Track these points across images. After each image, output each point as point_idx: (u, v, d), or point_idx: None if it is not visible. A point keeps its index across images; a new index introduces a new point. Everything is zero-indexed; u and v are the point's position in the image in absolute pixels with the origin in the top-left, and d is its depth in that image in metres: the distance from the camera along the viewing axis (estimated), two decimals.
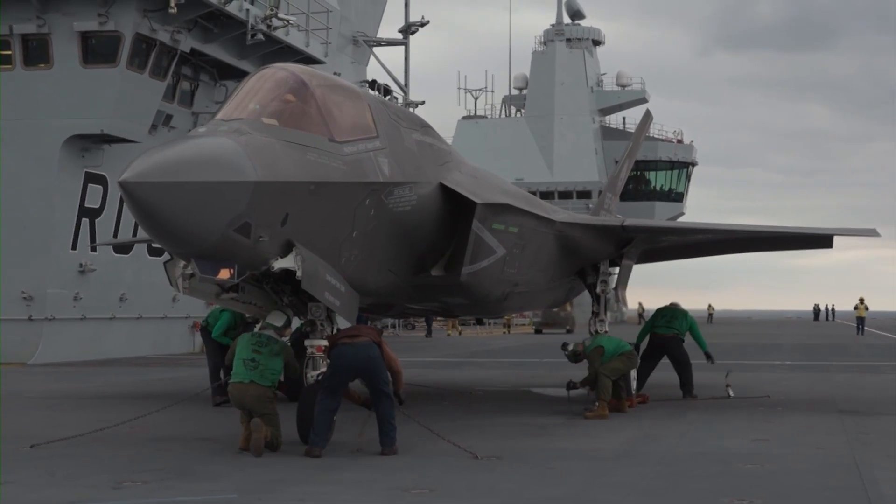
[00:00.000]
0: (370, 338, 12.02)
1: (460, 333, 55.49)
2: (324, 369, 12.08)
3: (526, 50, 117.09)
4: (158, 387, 20.93)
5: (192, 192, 9.97)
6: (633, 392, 17.50)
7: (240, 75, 30.50)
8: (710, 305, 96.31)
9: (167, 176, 9.91)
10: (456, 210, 14.37)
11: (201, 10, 29.74)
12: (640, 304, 79.97)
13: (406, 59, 48.23)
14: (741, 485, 10.19)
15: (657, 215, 76.66)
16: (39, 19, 28.31)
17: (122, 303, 31.23)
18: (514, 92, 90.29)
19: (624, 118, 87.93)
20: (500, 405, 17.73)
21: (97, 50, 28.51)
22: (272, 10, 32.34)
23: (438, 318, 53.36)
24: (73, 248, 29.41)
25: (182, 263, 11.82)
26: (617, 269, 19.54)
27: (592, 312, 18.89)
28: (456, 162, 15.49)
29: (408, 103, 46.32)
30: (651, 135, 73.25)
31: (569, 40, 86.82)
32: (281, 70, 12.19)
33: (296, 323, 13.61)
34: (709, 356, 19.34)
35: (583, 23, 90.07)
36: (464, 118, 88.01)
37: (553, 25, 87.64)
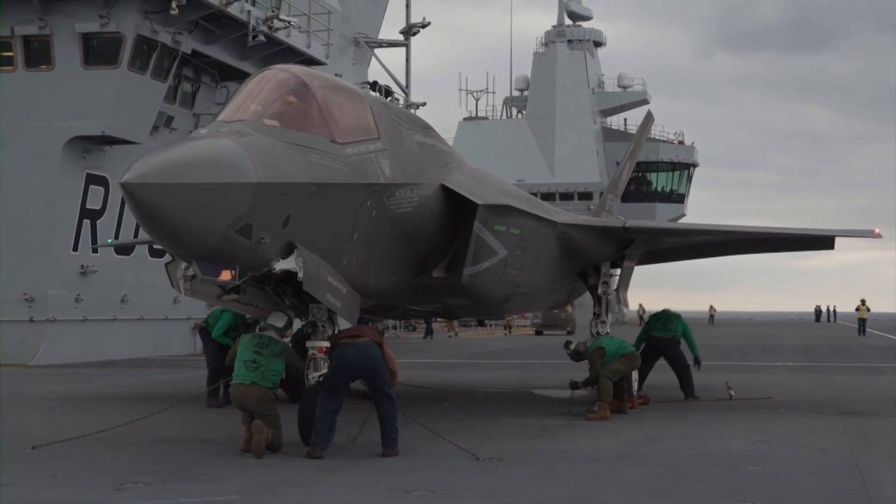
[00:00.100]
0: (371, 338, 12.03)
1: (456, 334, 55.45)
2: (325, 370, 12.07)
3: (527, 51, 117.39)
4: (160, 388, 20.93)
5: (194, 193, 9.97)
6: (635, 393, 17.49)
7: (241, 77, 30.51)
8: (711, 307, 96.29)
9: (169, 177, 9.91)
10: (457, 211, 14.37)
11: (202, 12, 29.74)
12: (640, 305, 79.83)
13: (407, 60, 48.26)
14: (743, 486, 10.19)
15: (658, 217, 76.67)
16: (41, 20, 28.33)
17: (124, 304, 31.24)
18: (516, 93, 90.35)
19: (625, 119, 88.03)
20: (502, 406, 17.72)
21: (98, 51, 28.51)
22: (273, 11, 32.33)
23: (438, 320, 53.42)
24: (75, 249, 29.41)
25: (183, 265, 11.84)
26: (618, 271, 19.53)
27: (594, 314, 18.88)
28: (457, 163, 15.49)
29: (409, 104, 46.32)
30: (652, 136, 73.21)
31: (570, 41, 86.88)
32: (282, 71, 12.19)
33: (297, 324, 13.60)
34: (697, 360, 19.32)
35: (584, 24, 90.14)
36: (465, 119, 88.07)
37: (554, 27, 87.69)
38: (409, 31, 47.96)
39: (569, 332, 54.98)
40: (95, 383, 22.23)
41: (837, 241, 19.73)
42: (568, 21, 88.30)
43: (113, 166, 28.62)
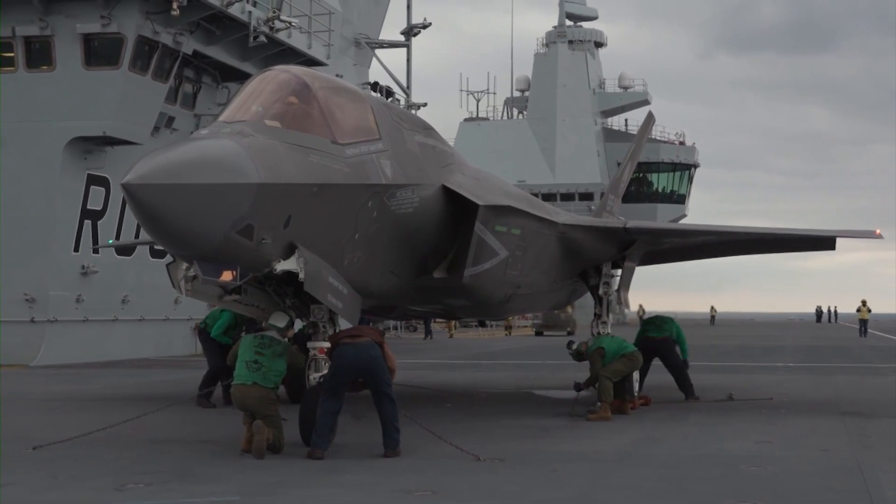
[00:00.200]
0: (372, 338, 12.03)
1: (452, 336, 55.42)
2: (326, 371, 12.07)
3: (528, 52, 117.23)
4: (160, 389, 20.94)
5: (195, 194, 9.97)
6: (636, 394, 17.48)
7: (242, 77, 30.52)
8: (712, 307, 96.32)
9: (170, 178, 9.90)
10: (458, 212, 14.37)
11: (204, 13, 29.75)
12: (640, 306, 79.82)
13: (408, 61, 48.28)
14: (744, 487, 10.19)
15: (659, 217, 76.69)
16: (42, 21, 28.34)
17: (125, 305, 31.26)
18: (516, 94, 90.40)
19: (626, 120, 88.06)
20: (503, 407, 17.72)
21: (100, 52, 28.52)
22: (274, 12, 32.34)
23: (438, 320, 53.41)
24: (76, 249, 29.43)
25: (185, 265, 11.82)
26: (619, 271, 19.53)
27: (595, 314, 18.88)
28: (458, 164, 15.49)
29: (410, 105, 46.32)
30: (653, 137, 73.22)
31: (571, 42, 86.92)
32: (283, 72, 12.18)
33: (297, 324, 13.59)
34: (685, 363, 19.28)
35: (586, 24, 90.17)
36: (466, 120, 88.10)
37: (555, 27, 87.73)
38: (410, 31, 47.98)
39: (569, 333, 54.99)
40: (96, 384, 22.23)
41: (838, 241, 19.73)
42: (569, 22, 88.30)
43: (114, 167, 28.63)
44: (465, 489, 10.02)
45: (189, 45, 30.26)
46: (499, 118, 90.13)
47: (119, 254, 30.96)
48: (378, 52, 46.54)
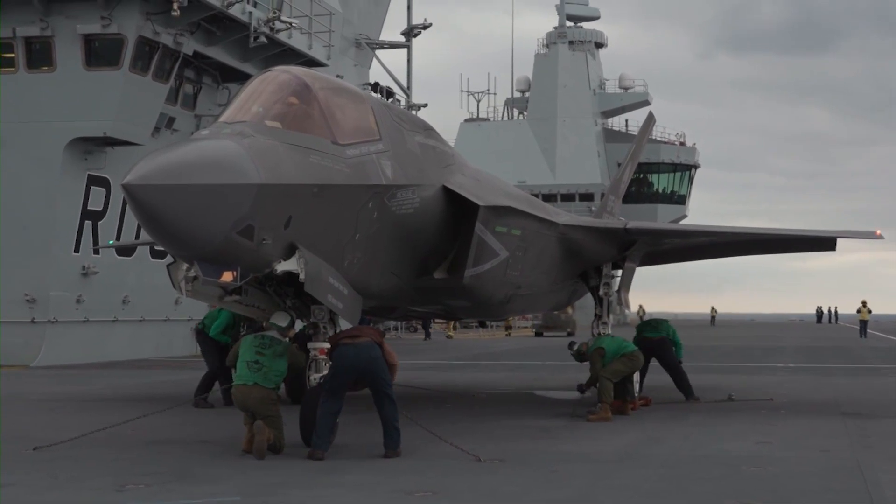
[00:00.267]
0: (372, 338, 12.03)
1: (451, 337, 55.39)
2: (326, 372, 12.08)
3: (528, 52, 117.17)
4: (161, 389, 20.94)
5: (196, 194, 9.96)
6: (636, 394, 17.48)
7: (242, 78, 30.52)
8: (712, 308, 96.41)
9: (170, 178, 9.90)
10: (459, 213, 14.37)
11: (204, 13, 29.75)
12: (640, 306, 79.85)
13: (409, 61, 48.29)
14: (744, 487, 10.19)
15: (660, 218, 76.72)
16: (42, 22, 28.34)
17: (125, 305, 31.25)
18: (517, 94, 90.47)
19: (626, 120, 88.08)
20: (503, 408, 17.72)
21: (100, 52, 28.52)
22: (275, 12, 32.35)
23: (438, 321, 53.45)
24: (76, 250, 29.43)
25: (185, 266, 11.83)
26: (620, 272, 19.53)
27: (595, 315, 18.88)
28: (458, 164, 15.49)
29: (410, 106, 46.35)
30: (654, 137, 73.26)
31: (571, 43, 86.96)
32: (284, 73, 12.19)
33: (297, 325, 13.60)
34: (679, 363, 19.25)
35: (587, 25, 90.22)
36: (466, 121, 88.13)
37: (556, 28, 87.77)
38: (411, 32, 47.99)
39: (569, 334, 55.01)
40: (96, 384, 22.23)
41: (839, 242, 19.73)
42: (569, 23, 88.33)
43: (114, 167, 28.64)
44: (466, 490, 10.03)
45: (189, 45, 30.26)
46: (499, 119, 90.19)
47: (119, 254, 30.96)
48: (378, 52, 46.56)
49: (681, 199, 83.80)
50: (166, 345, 32.57)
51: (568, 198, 77.24)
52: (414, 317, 31.66)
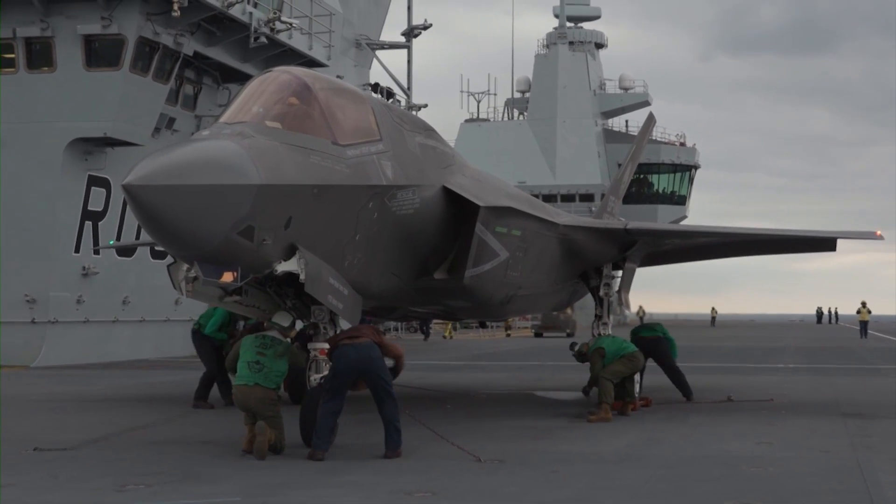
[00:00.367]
0: (371, 338, 12.04)
1: (447, 337, 55.40)
2: (326, 372, 12.08)
3: (528, 53, 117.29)
4: (161, 390, 20.95)
5: (196, 195, 9.96)
6: (636, 395, 17.48)
7: (243, 78, 30.52)
8: (713, 308, 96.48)
9: (171, 179, 9.90)
10: (459, 213, 14.37)
11: (204, 14, 29.75)
12: (640, 307, 79.89)
13: (409, 62, 48.30)
14: (745, 488, 10.19)
15: (660, 218, 76.72)
16: (43, 22, 28.35)
17: (125, 306, 31.25)
18: (517, 95, 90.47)
19: (626, 121, 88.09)
20: (503, 408, 17.72)
21: (100, 53, 28.52)
22: (275, 13, 32.35)
23: (435, 322, 53.41)
24: (76, 251, 29.42)
25: (185, 266, 11.83)
26: (620, 273, 19.53)
27: (595, 315, 18.89)
28: (459, 165, 15.49)
29: (410, 106, 46.36)
30: (654, 138, 73.27)
31: (571, 43, 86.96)
32: (284, 73, 12.19)
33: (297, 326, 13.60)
34: None
35: (586, 25, 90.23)
36: (466, 121, 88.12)
37: (556, 28, 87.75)
38: (411, 32, 48.01)
39: (568, 335, 55.03)
40: (97, 385, 22.23)
41: (839, 243, 19.74)
42: (569, 24, 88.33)
43: (115, 168, 28.63)
44: (466, 490, 10.03)
45: (190, 46, 30.26)
46: (499, 119, 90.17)
47: (120, 255, 30.95)
48: (379, 53, 46.56)
49: (681, 200, 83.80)
50: (166, 345, 32.54)
51: (568, 198, 77.21)
52: (414, 317, 31.65)
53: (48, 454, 11.97)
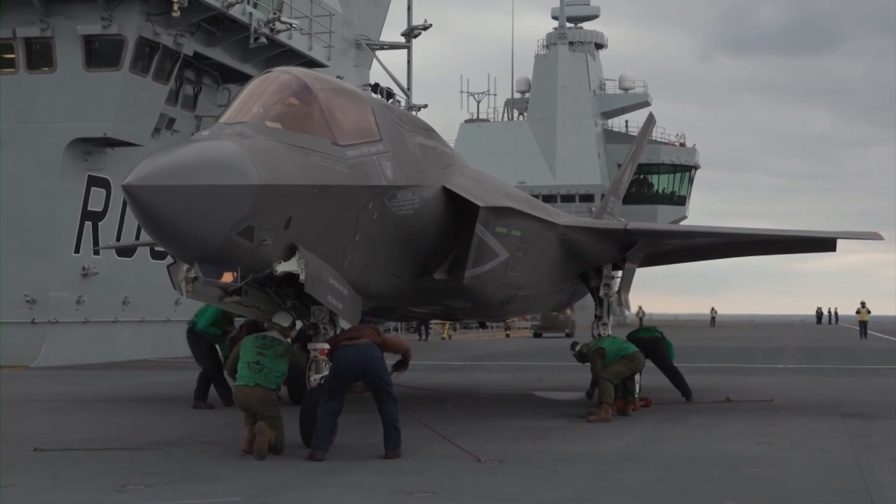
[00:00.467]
0: (371, 339, 12.05)
1: (447, 338, 55.44)
2: (326, 373, 12.09)
3: (528, 53, 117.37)
4: (161, 390, 20.95)
5: (196, 195, 9.96)
6: (636, 395, 17.48)
7: (242, 79, 30.54)
8: (712, 309, 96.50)
9: (171, 179, 9.90)
10: (459, 213, 14.37)
11: (204, 14, 29.77)
12: (640, 307, 80.00)
13: (409, 62, 48.32)
14: (744, 488, 10.19)
15: (660, 219, 76.72)
16: (43, 23, 28.37)
17: (125, 306, 31.27)
18: (517, 95, 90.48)
19: (626, 121, 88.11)
20: (503, 408, 17.72)
21: (100, 53, 28.55)
22: (275, 13, 32.37)
23: (433, 322, 53.43)
24: (76, 251, 29.44)
25: (185, 267, 11.83)
26: (620, 273, 19.54)
27: (595, 316, 18.90)
28: (459, 165, 15.49)
29: (410, 107, 46.37)
30: (654, 138, 73.27)
31: (571, 44, 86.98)
32: (284, 73, 12.19)
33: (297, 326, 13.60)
34: None
35: (586, 26, 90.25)
36: (466, 121, 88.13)
37: (556, 29, 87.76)
38: (411, 33, 48.02)
39: (567, 335, 55.07)
40: (97, 385, 22.23)
41: (839, 243, 19.73)
42: (569, 24, 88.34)
43: (114, 168, 28.66)
44: (466, 490, 10.03)
45: (190, 46, 30.28)
46: (499, 119, 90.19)
47: (119, 255, 30.97)
48: (379, 53, 46.58)
49: (681, 200, 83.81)
50: (166, 345, 32.53)
51: (568, 199, 77.22)
52: (414, 317, 31.65)
53: (48, 454, 11.97)
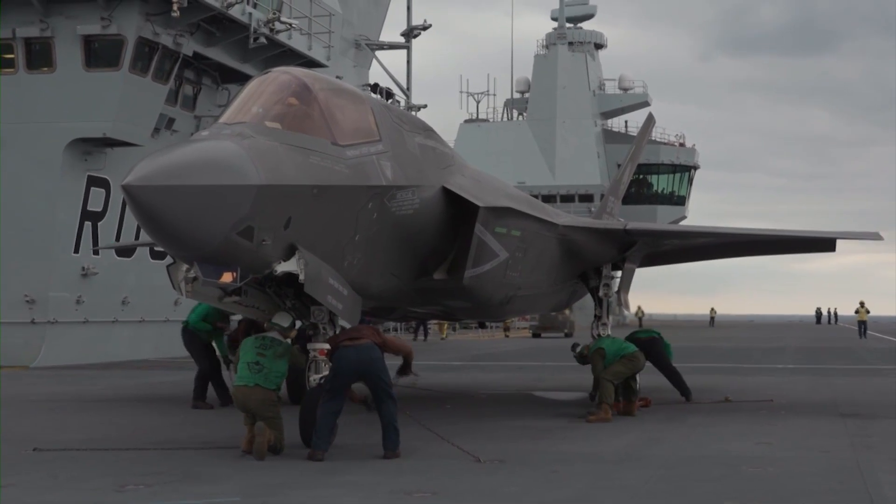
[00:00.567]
0: (372, 339, 12.05)
1: (445, 337, 55.45)
2: (326, 373, 12.09)
3: (528, 53, 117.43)
4: (161, 390, 20.95)
5: (196, 195, 9.96)
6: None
7: (242, 79, 30.54)
8: (712, 309, 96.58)
9: (170, 179, 9.90)
10: (458, 213, 14.38)
11: (204, 14, 29.77)
12: (639, 307, 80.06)
13: (408, 62, 48.32)
14: (744, 488, 10.19)
15: (659, 219, 76.75)
16: (42, 23, 28.37)
17: (125, 306, 31.26)
18: (517, 95, 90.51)
19: (626, 121, 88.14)
20: (503, 408, 17.72)
21: (100, 53, 28.54)
22: (274, 13, 32.36)
23: (431, 322, 53.40)
24: (76, 251, 29.43)
25: (185, 267, 11.84)
26: (619, 273, 19.54)
27: (595, 316, 18.90)
28: (458, 165, 15.50)
29: (410, 107, 46.36)
30: (653, 138, 73.26)
31: (571, 44, 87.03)
32: (284, 73, 12.19)
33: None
34: None
35: (585, 26, 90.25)
36: (466, 121, 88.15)
37: (555, 29, 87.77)
38: (410, 33, 48.02)
39: (566, 335, 55.08)
40: (97, 385, 22.23)
41: (838, 243, 19.74)
42: (569, 24, 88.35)
43: (114, 168, 28.66)
44: (466, 490, 10.03)
45: (189, 46, 30.27)
46: (499, 120, 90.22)
47: (119, 255, 30.96)
48: (378, 53, 46.58)
49: (680, 200, 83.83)
50: (166, 345, 32.43)
51: (567, 199, 77.24)
52: (414, 318, 31.65)
53: (48, 454, 11.97)
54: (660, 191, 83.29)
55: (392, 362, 12.37)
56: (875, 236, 19.16)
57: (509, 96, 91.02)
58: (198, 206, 9.99)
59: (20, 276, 28.16)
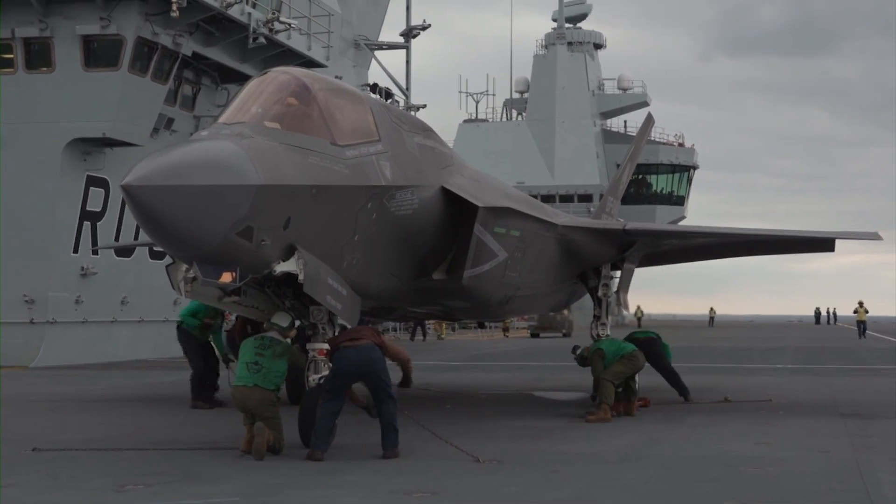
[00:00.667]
0: (371, 340, 12.05)
1: (443, 337, 55.44)
2: (325, 373, 12.09)
3: (527, 53, 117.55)
4: (160, 390, 20.94)
5: (195, 195, 9.96)
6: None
7: (241, 79, 30.52)
8: (711, 309, 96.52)
9: (170, 179, 9.90)
10: (458, 213, 14.38)
11: (203, 14, 29.76)
12: (638, 307, 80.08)
13: (407, 62, 48.35)
14: (744, 488, 10.19)
15: (658, 219, 76.73)
16: (42, 23, 28.36)
17: (124, 306, 31.25)
18: (516, 95, 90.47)
19: (625, 122, 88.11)
20: (503, 408, 17.72)
21: (99, 53, 28.54)
22: (274, 13, 32.36)
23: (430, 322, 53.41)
24: (75, 251, 29.42)
25: (184, 267, 11.85)
26: (618, 273, 19.54)
27: (594, 316, 18.90)
28: (457, 165, 15.50)
29: (409, 107, 46.36)
30: (652, 138, 73.26)
31: (570, 44, 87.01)
32: (283, 73, 12.19)
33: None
34: None
35: (584, 26, 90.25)
36: (465, 122, 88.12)
37: (554, 29, 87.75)
38: (410, 33, 48.03)
39: (565, 335, 55.06)
40: (96, 385, 22.23)
41: (838, 243, 19.73)
42: (568, 24, 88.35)
43: (113, 168, 28.66)
44: (465, 490, 10.03)
45: (188, 46, 30.27)
46: (498, 120, 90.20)
47: (118, 255, 30.96)
48: (377, 53, 46.59)
49: (679, 200, 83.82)
50: (165, 345, 32.30)
51: (566, 199, 77.22)
52: (413, 317, 31.66)
53: (48, 454, 11.97)
54: (659, 191, 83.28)
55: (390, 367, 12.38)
56: (874, 236, 19.17)
57: (508, 96, 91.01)
58: (197, 206, 9.99)
59: (20, 275, 28.15)
